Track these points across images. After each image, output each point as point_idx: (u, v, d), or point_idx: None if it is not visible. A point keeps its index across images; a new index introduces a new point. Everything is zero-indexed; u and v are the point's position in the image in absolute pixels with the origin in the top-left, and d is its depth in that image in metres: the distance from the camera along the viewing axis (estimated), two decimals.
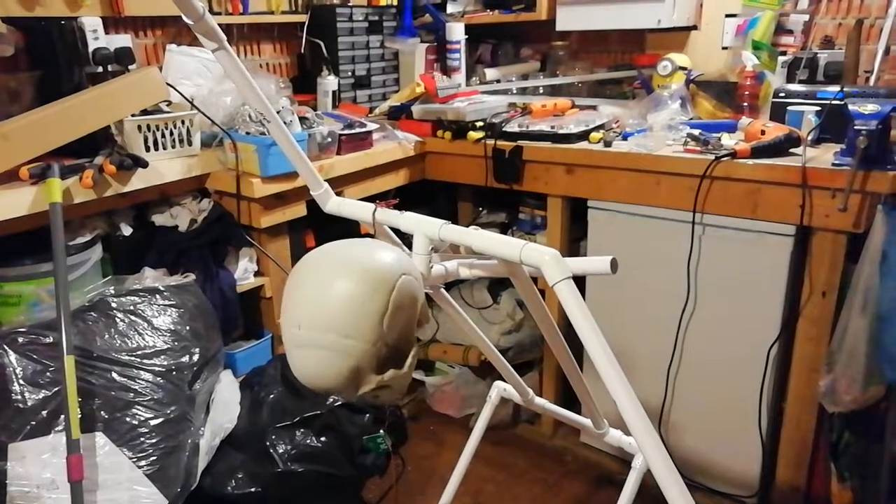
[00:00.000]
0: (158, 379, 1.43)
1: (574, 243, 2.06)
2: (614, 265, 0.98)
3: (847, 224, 1.50)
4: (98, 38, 1.68)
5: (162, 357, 1.46)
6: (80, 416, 1.25)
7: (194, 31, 0.89)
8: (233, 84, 1.74)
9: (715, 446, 1.86)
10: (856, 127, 1.43)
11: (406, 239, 1.04)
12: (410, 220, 1.00)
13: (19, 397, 1.29)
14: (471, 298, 2.33)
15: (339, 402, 1.57)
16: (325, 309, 0.79)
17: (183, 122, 1.67)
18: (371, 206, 1.07)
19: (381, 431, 1.57)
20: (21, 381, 1.31)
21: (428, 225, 0.97)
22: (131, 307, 1.48)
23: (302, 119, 1.82)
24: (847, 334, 1.52)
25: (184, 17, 0.87)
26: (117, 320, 1.45)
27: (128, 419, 1.36)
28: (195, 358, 1.51)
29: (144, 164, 1.56)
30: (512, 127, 2.00)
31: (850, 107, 1.48)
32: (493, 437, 1.87)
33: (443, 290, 1.18)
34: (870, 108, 1.44)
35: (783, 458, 1.78)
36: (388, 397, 0.87)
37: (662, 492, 0.77)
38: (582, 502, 1.94)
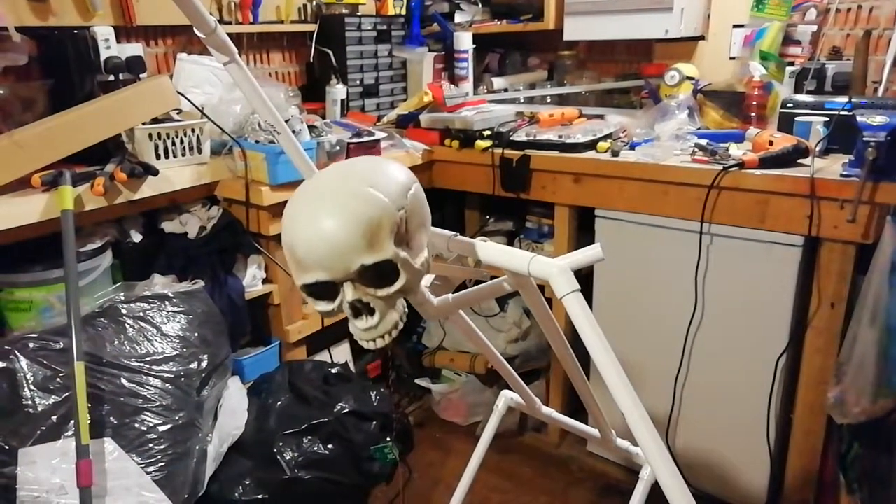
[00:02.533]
0: (167, 385, 1.43)
1: None
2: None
3: (856, 235, 1.50)
4: (110, 47, 1.71)
5: (171, 363, 1.46)
6: (89, 421, 1.25)
7: (206, 44, 0.90)
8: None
9: (722, 457, 1.85)
10: (865, 138, 1.43)
11: None
12: None
13: (30, 402, 1.30)
14: (477, 307, 2.33)
15: (347, 410, 1.57)
16: (355, 168, 0.81)
17: (193, 131, 1.68)
18: None
19: (390, 441, 1.57)
20: (31, 387, 1.31)
21: (437, 236, 0.97)
22: (141, 313, 1.49)
23: (311, 127, 1.84)
24: (856, 346, 1.51)
25: (196, 31, 0.89)
26: (127, 326, 1.46)
27: (136, 425, 1.36)
28: (203, 364, 1.52)
29: (155, 172, 1.57)
30: (519, 136, 2.00)
31: (859, 118, 1.48)
32: (500, 446, 1.87)
33: (461, 313, 1.18)
34: (879, 119, 1.44)
35: (791, 470, 1.77)
36: (389, 308, 0.82)
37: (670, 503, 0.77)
38: None
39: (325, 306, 0.83)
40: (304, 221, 0.78)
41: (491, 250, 0.91)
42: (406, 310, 0.85)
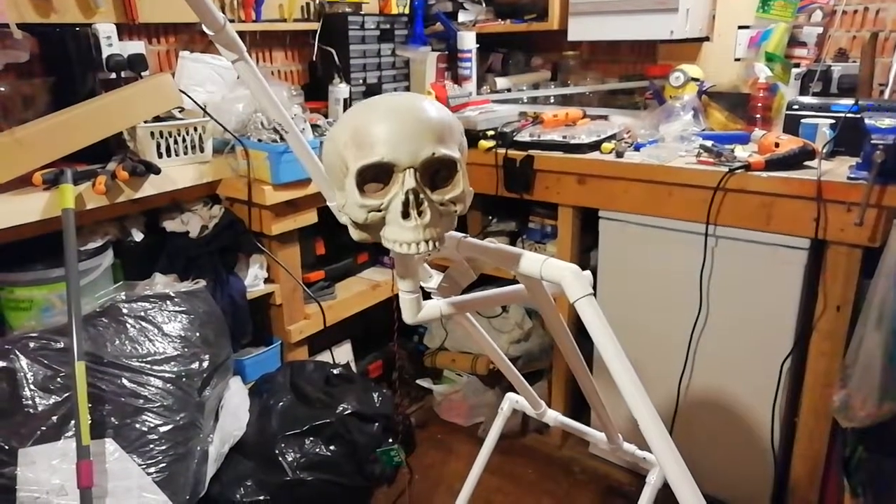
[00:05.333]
0: (168, 385, 1.42)
1: (584, 253, 2.06)
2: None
3: (862, 238, 1.49)
4: (112, 45, 1.69)
5: (172, 363, 1.45)
6: (90, 422, 1.24)
7: (215, 41, 0.89)
8: (245, 91, 1.76)
9: (726, 459, 1.84)
10: (872, 141, 1.42)
11: None
12: None
13: (30, 402, 1.29)
14: (477, 309, 2.32)
15: (349, 411, 1.56)
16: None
17: (195, 129, 1.67)
18: None
19: (396, 445, 1.56)
20: (32, 387, 1.31)
21: (446, 237, 0.96)
22: (142, 313, 1.48)
23: (314, 127, 1.83)
24: (862, 349, 1.50)
25: (205, 28, 0.87)
26: (128, 326, 1.45)
27: (137, 426, 1.35)
28: (205, 364, 1.51)
29: (157, 171, 1.56)
30: (523, 136, 1.99)
31: (867, 121, 1.47)
32: (502, 447, 1.86)
33: (468, 315, 1.17)
34: (887, 122, 1.44)
35: (795, 473, 1.76)
36: (439, 219, 0.83)
37: None
38: None
39: (372, 200, 0.81)
40: (381, 107, 0.80)
41: (501, 252, 0.90)
42: (444, 237, 0.86)
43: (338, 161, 0.83)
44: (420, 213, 0.80)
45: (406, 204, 0.80)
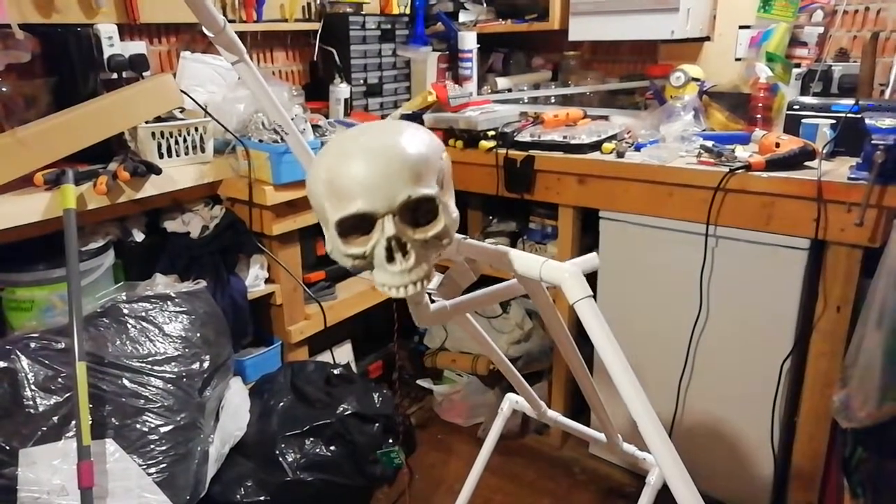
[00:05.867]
0: (169, 386, 1.42)
1: (585, 253, 2.05)
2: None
3: (863, 238, 1.49)
4: (113, 45, 1.70)
5: (172, 364, 1.45)
6: (90, 422, 1.25)
7: (215, 43, 0.90)
8: (246, 91, 1.76)
9: (726, 460, 1.84)
10: (873, 141, 1.42)
11: None
12: None
13: (31, 403, 1.29)
14: (480, 308, 2.32)
15: (350, 411, 1.56)
16: (399, 122, 0.84)
17: (196, 129, 1.68)
18: None
19: (396, 447, 1.56)
20: (33, 387, 1.31)
21: None
22: (143, 313, 1.48)
23: (315, 127, 1.83)
24: (862, 350, 1.50)
25: (205, 30, 0.88)
26: (129, 326, 1.45)
27: (138, 426, 1.36)
28: (205, 365, 1.51)
29: (158, 171, 1.57)
30: (524, 136, 1.99)
31: (868, 121, 1.47)
32: (502, 448, 1.86)
33: (468, 315, 1.17)
34: (887, 122, 1.44)
35: (795, 473, 1.76)
36: (423, 257, 0.81)
37: None
38: None
39: (355, 248, 0.80)
40: (350, 153, 0.77)
41: (501, 254, 0.90)
42: (434, 268, 0.84)
43: (319, 208, 0.82)
44: (405, 256, 0.80)
45: (389, 249, 0.79)
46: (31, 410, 1.29)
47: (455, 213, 0.85)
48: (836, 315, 1.59)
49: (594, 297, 0.82)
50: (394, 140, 0.78)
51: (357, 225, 0.79)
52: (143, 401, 1.38)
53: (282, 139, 1.69)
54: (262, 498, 1.46)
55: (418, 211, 0.80)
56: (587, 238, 2.02)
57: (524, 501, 1.98)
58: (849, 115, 1.63)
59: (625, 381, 0.76)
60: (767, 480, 1.79)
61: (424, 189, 0.78)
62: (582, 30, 2.25)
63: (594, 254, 0.94)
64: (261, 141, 1.71)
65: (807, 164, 1.60)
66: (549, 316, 1.02)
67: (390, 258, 0.79)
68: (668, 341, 1.84)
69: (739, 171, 1.60)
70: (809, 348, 1.66)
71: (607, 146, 1.87)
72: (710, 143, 1.74)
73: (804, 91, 1.97)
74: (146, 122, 1.60)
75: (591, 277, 0.85)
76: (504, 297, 1.05)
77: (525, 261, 0.88)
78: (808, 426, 1.70)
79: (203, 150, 1.70)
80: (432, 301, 1.04)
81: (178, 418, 1.40)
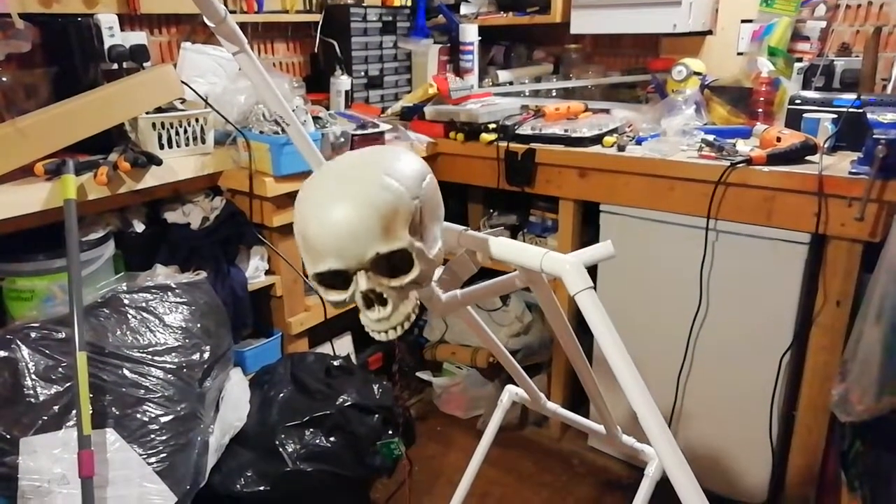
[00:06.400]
0: (169, 376, 1.42)
1: (585, 246, 2.05)
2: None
3: (863, 233, 1.49)
4: (114, 35, 1.69)
5: (173, 354, 1.46)
6: (91, 412, 1.25)
7: (216, 33, 0.89)
8: (247, 82, 1.76)
9: (724, 453, 1.85)
10: (875, 136, 1.42)
11: None
12: None
13: (31, 392, 1.30)
14: (480, 301, 2.33)
15: (350, 402, 1.57)
16: (370, 156, 0.81)
17: (197, 121, 1.67)
18: None
19: (396, 438, 1.56)
20: (33, 376, 1.31)
21: (447, 231, 0.96)
22: (143, 304, 1.48)
23: (315, 119, 1.83)
24: (861, 344, 1.50)
25: (205, 20, 0.87)
26: (129, 317, 1.45)
27: (138, 416, 1.36)
28: (206, 355, 1.51)
29: (158, 162, 1.56)
30: (525, 129, 1.99)
31: (870, 115, 1.47)
32: (501, 440, 1.87)
33: (469, 309, 1.17)
34: (889, 117, 1.44)
35: (793, 467, 1.77)
36: (402, 300, 0.81)
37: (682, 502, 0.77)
38: None
39: (336, 296, 0.81)
40: (318, 208, 0.77)
41: (503, 246, 0.91)
42: (418, 302, 0.84)
43: (301, 253, 0.82)
44: (383, 305, 0.81)
45: (367, 298, 0.80)
46: (32, 400, 1.29)
47: (435, 248, 0.84)
48: (836, 309, 1.59)
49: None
50: (362, 192, 0.76)
51: (334, 277, 0.80)
52: (143, 391, 1.38)
53: (282, 130, 1.69)
54: (261, 488, 1.47)
55: (392, 259, 0.79)
56: (588, 232, 2.02)
57: (523, 493, 1.99)
58: (850, 109, 1.63)
59: (625, 371, 0.76)
60: (765, 473, 1.80)
61: (394, 243, 0.77)
62: (584, 23, 2.25)
63: (608, 241, 0.94)
64: (261, 132, 1.71)
65: (808, 158, 1.61)
66: (549, 307, 1.02)
67: (369, 306, 0.81)
68: (668, 335, 1.85)
69: (740, 165, 1.60)
70: (809, 342, 1.66)
71: (608, 140, 1.87)
72: (711, 137, 1.74)
73: (806, 85, 1.97)
74: (147, 113, 1.59)
75: (591, 271, 0.85)
76: (513, 287, 1.05)
77: (526, 252, 0.88)
78: (807, 419, 1.71)
79: (204, 142, 1.70)
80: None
81: (179, 408, 1.40)
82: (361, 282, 0.79)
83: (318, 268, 0.78)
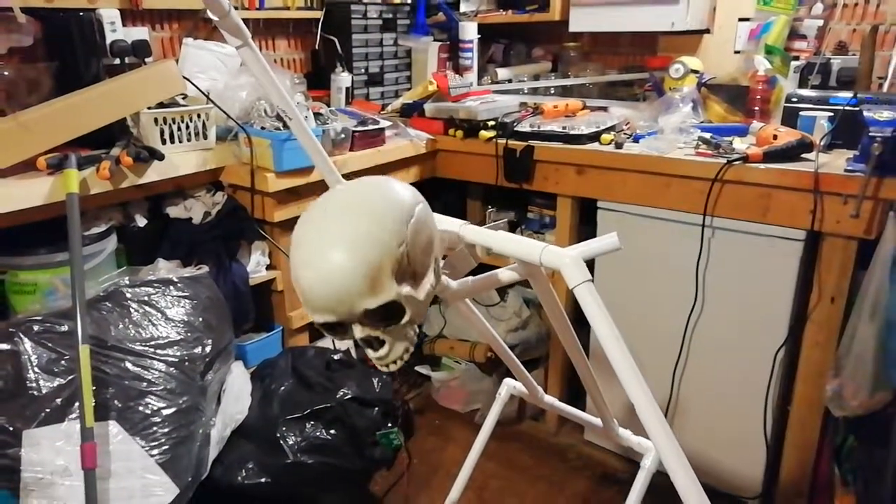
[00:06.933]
0: (171, 369, 1.44)
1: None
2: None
3: (858, 230, 1.51)
4: (116, 31, 1.70)
5: (175, 348, 1.47)
6: (93, 404, 1.26)
7: (220, 27, 0.90)
8: (249, 78, 1.77)
9: (719, 447, 1.87)
10: (871, 133, 1.43)
11: None
12: None
13: (34, 385, 1.31)
14: (478, 295, 2.34)
15: (350, 396, 1.58)
16: (354, 202, 0.81)
17: (199, 116, 1.68)
18: None
19: (395, 428, 1.58)
20: (36, 369, 1.32)
21: (447, 224, 0.98)
22: (145, 298, 1.49)
23: (316, 115, 1.84)
24: (855, 340, 1.52)
25: (210, 14, 0.88)
26: (131, 310, 1.46)
27: (141, 408, 1.37)
28: (207, 349, 1.52)
29: (161, 157, 1.57)
30: (523, 127, 2.00)
31: (866, 113, 1.48)
32: (498, 433, 1.89)
33: (468, 301, 1.19)
34: (885, 114, 1.45)
35: (787, 461, 1.79)
36: (398, 339, 0.85)
37: (679, 492, 0.78)
38: (586, 500, 1.95)
39: (340, 340, 0.87)
40: (306, 267, 0.80)
41: (503, 239, 0.92)
42: (417, 332, 0.89)
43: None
44: (381, 346, 0.86)
45: (366, 342, 0.86)
46: (35, 392, 1.30)
47: (427, 286, 0.86)
48: (831, 306, 1.61)
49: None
50: (346, 251, 0.77)
51: (333, 326, 0.84)
52: (145, 384, 1.39)
53: (284, 126, 1.70)
54: (262, 480, 1.48)
55: (383, 310, 0.82)
56: (585, 228, 2.03)
57: (520, 486, 2.00)
58: (847, 107, 1.64)
59: (623, 364, 0.78)
60: (759, 467, 1.82)
61: (381, 297, 0.80)
62: (582, 21, 2.26)
63: (614, 234, 0.95)
64: (263, 128, 1.72)
65: (804, 156, 1.62)
66: (548, 301, 1.04)
67: (369, 346, 0.87)
68: (664, 330, 1.86)
69: (737, 162, 1.61)
70: (803, 338, 1.68)
71: (606, 137, 1.88)
72: (708, 135, 1.75)
73: (802, 84, 1.98)
74: (149, 108, 1.60)
75: (589, 267, 0.87)
76: (503, 282, 1.07)
77: (526, 246, 0.89)
78: (801, 414, 1.73)
79: (205, 137, 1.71)
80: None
81: (181, 401, 1.42)
82: (356, 331, 0.84)
83: (317, 319, 0.83)
